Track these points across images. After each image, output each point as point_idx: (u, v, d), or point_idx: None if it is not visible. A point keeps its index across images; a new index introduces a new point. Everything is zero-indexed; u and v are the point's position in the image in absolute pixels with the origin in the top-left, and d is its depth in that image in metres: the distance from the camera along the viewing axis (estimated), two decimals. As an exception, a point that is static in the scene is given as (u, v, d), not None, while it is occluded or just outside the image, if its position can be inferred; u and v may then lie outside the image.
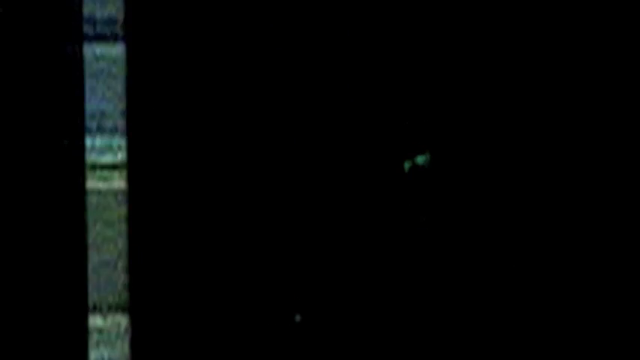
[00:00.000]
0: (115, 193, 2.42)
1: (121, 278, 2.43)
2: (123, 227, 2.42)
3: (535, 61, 2.44)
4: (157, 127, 2.42)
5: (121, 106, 2.42)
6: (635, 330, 2.43)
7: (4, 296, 2.38)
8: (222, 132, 2.43)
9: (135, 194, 2.42)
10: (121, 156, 2.42)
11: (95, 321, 2.42)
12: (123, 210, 2.42)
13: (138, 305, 2.43)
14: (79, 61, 2.38)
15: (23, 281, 2.39)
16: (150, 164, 2.43)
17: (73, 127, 2.38)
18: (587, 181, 2.44)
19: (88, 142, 2.41)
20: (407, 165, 2.42)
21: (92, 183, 2.41)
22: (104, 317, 2.42)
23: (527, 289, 2.45)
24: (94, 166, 2.41)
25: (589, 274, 2.44)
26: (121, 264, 2.42)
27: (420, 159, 2.40)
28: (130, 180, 2.42)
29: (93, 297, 2.42)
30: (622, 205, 2.43)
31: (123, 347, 2.43)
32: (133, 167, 2.42)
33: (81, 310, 2.40)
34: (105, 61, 2.40)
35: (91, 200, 2.41)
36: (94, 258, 2.41)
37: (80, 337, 2.40)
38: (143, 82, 2.42)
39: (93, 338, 2.42)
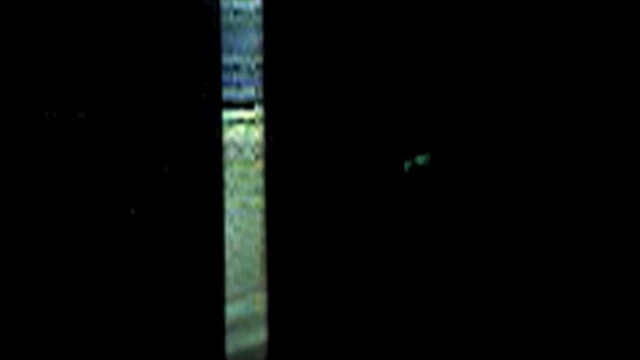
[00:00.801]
0: (252, 145, 2.45)
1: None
2: (260, 180, 2.44)
3: (534, 62, 2.43)
4: (293, 82, 2.44)
5: (258, 59, 2.44)
6: (636, 330, 2.41)
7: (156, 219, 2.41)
8: (359, 91, 2.46)
9: (271, 148, 2.45)
10: (258, 110, 2.44)
11: (228, 272, 2.44)
12: (260, 163, 2.44)
13: (275, 261, 2.45)
14: (216, 13, 2.41)
15: (169, 226, 2.41)
16: (286, 118, 2.45)
17: (210, 81, 2.41)
18: (586, 180, 2.42)
19: (225, 95, 2.43)
20: (407, 165, 2.42)
21: (229, 135, 2.43)
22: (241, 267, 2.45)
23: (527, 288, 2.44)
24: (232, 120, 2.43)
25: (588, 273, 2.42)
26: (258, 217, 2.44)
27: (420, 159, 2.40)
28: (267, 133, 2.44)
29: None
30: (621, 205, 2.42)
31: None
32: (270, 121, 2.45)
33: (218, 260, 2.43)
34: (241, 15, 2.43)
35: (229, 152, 2.43)
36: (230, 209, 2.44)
37: (217, 277, 2.42)
38: (279, 35, 2.44)
39: (230, 287, 2.44)
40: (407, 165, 2.39)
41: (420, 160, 2.39)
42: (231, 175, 2.43)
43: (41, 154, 2.35)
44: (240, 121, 2.44)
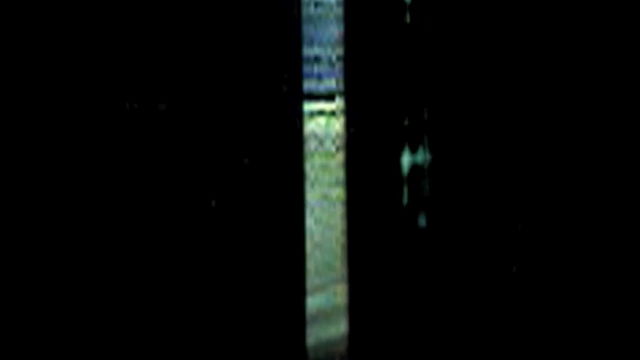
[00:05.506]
0: (332, 137, 2.45)
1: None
2: (340, 172, 2.44)
3: (533, 60, 2.42)
4: (374, 74, 2.45)
5: (338, 51, 2.45)
6: (635, 330, 2.40)
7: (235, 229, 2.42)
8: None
9: (352, 140, 2.45)
10: (338, 102, 2.45)
11: (309, 265, 2.45)
12: (340, 155, 2.44)
13: (356, 253, 2.45)
14: (296, 5, 2.41)
15: (250, 218, 2.42)
16: (367, 109, 2.45)
17: (291, 73, 2.41)
18: (586, 180, 2.41)
19: (306, 87, 2.44)
20: (406, 164, 2.42)
21: (310, 127, 2.44)
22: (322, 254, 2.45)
23: (527, 289, 2.43)
24: (312, 112, 2.44)
25: (589, 273, 2.41)
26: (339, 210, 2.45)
27: (419, 158, 2.39)
28: (348, 124, 2.44)
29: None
30: (622, 205, 2.40)
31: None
32: (350, 112, 2.45)
33: (299, 252, 2.43)
34: (322, 7, 2.43)
35: (310, 144, 2.43)
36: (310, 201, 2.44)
37: (298, 269, 2.43)
38: (361, 27, 2.44)
39: (310, 279, 2.44)
40: (406, 164, 2.39)
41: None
42: (312, 167, 2.44)
43: (121, 147, 2.36)
44: (321, 112, 2.44)
